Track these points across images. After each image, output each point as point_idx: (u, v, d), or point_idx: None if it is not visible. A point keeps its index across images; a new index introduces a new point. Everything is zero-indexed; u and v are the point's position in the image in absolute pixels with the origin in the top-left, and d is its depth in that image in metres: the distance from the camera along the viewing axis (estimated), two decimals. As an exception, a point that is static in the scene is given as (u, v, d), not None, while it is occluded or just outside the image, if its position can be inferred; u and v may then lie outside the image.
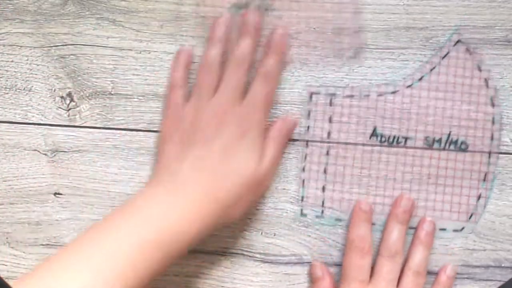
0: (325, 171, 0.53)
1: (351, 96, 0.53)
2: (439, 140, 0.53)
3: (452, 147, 0.52)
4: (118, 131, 0.54)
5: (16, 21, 0.53)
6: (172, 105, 0.51)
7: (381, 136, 0.52)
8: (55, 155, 0.54)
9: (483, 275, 0.53)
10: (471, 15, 0.52)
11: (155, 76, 0.53)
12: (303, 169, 0.53)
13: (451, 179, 0.53)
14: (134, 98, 0.53)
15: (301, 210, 0.53)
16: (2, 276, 0.53)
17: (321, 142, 0.53)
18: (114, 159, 0.54)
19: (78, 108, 0.53)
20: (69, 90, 0.53)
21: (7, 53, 0.53)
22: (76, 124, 0.54)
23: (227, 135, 0.49)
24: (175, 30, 0.53)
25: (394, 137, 0.52)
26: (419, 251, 0.52)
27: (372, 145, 0.52)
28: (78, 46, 0.53)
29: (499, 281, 0.53)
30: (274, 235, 0.53)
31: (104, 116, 0.53)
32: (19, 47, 0.53)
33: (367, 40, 0.52)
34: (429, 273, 0.53)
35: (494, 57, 0.52)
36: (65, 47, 0.53)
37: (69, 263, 0.43)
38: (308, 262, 0.53)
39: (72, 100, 0.53)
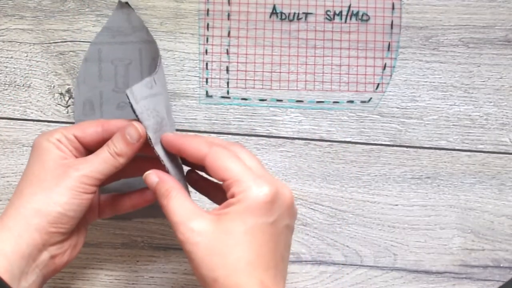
0: (227, 52, 0.53)
1: None
2: (340, 14, 0.52)
3: (353, 19, 0.52)
4: (117, 128, 0.53)
5: (16, 17, 0.53)
6: None
7: (281, 13, 0.52)
8: (53, 152, 0.54)
9: (482, 275, 0.53)
10: (471, 15, 0.52)
11: (154, 73, 0.53)
12: (206, 52, 0.53)
13: (355, 51, 0.52)
14: (133, 95, 0.53)
15: (207, 91, 0.53)
16: None
17: (221, 19, 0.53)
18: (113, 156, 0.54)
19: (77, 105, 0.53)
20: (68, 86, 0.53)
21: (6, 49, 0.53)
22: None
23: None
24: (174, 28, 0.53)
25: (295, 14, 0.52)
26: None
27: (272, 22, 0.52)
28: (77, 42, 0.53)
29: (498, 281, 0.53)
30: (272, 233, 0.53)
31: (103, 113, 0.54)
32: (18, 43, 0.53)
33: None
34: (426, 272, 0.53)
35: (494, 57, 0.52)
36: (64, 43, 0.53)
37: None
38: (306, 261, 0.53)
39: (71, 96, 0.53)
